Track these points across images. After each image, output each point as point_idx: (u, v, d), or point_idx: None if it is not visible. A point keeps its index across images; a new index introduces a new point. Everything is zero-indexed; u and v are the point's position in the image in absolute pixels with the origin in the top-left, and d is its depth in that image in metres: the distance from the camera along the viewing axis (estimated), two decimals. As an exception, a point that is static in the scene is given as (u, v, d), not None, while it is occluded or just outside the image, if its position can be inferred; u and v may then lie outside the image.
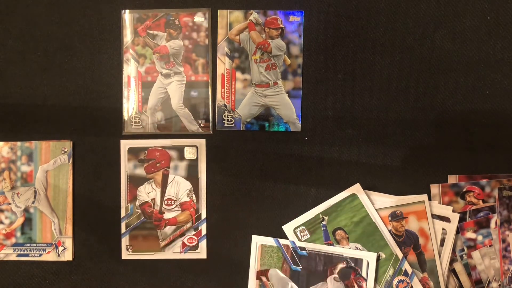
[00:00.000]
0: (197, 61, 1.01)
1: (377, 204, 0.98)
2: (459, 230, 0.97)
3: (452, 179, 0.98)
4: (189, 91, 1.02)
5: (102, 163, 1.02)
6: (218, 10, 1.01)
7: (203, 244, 1.01)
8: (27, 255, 1.02)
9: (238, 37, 1.01)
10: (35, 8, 1.03)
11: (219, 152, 1.01)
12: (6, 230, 1.02)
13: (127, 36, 1.02)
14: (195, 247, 1.01)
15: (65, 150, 1.01)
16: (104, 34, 1.02)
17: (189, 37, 1.02)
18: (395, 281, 0.96)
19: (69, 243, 1.01)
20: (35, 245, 1.02)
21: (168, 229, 1.01)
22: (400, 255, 0.96)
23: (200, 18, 1.01)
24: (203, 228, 1.01)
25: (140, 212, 1.01)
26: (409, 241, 0.97)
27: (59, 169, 1.01)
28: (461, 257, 0.97)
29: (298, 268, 0.97)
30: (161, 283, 1.01)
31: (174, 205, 1.01)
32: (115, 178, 1.01)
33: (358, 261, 0.96)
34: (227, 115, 1.01)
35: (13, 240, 1.02)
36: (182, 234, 1.01)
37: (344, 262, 0.96)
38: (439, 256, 0.96)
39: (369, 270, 0.96)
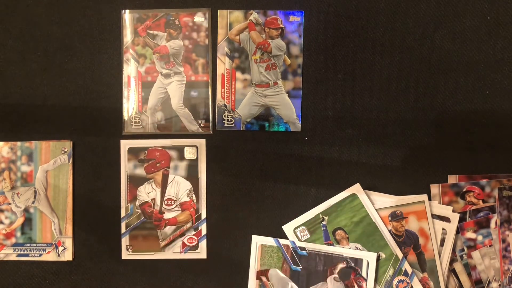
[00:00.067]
0: (197, 61, 1.02)
1: (377, 204, 0.98)
2: (459, 230, 0.97)
3: (452, 179, 0.98)
4: (189, 91, 1.02)
5: (102, 163, 1.02)
6: (218, 10, 1.01)
7: (203, 244, 1.01)
8: (27, 255, 1.02)
9: (238, 37, 1.01)
10: (35, 8, 1.03)
11: (219, 152, 1.01)
12: (6, 230, 1.02)
13: (127, 36, 1.02)
14: (195, 247, 1.01)
15: (65, 150, 1.01)
16: (104, 34, 1.02)
17: (189, 37, 1.02)
18: (395, 281, 0.96)
19: (69, 243, 1.01)
20: (35, 245, 1.02)
21: (168, 229, 1.01)
22: (400, 255, 0.96)
23: (200, 18, 1.01)
24: (203, 228, 1.01)
25: (140, 212, 1.01)
26: (409, 241, 0.97)
27: (59, 169, 1.01)
28: (461, 257, 0.97)
29: (298, 268, 0.97)
30: (161, 283, 1.01)
31: (174, 205, 1.01)
32: (115, 178, 1.01)
33: (358, 261, 0.96)
34: (227, 115, 1.01)
35: (13, 240, 1.02)
36: (182, 234, 1.01)
37: (344, 262, 0.96)
38: (439, 256, 0.96)
39: (369, 270, 0.96)
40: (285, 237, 0.99)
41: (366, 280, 0.96)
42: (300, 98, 1.00)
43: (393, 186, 0.99)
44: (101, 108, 1.02)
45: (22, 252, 1.02)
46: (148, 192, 1.01)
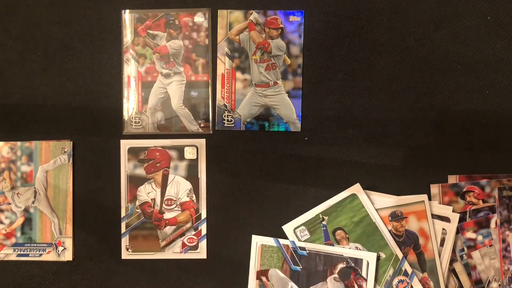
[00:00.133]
0: (197, 61, 1.02)
1: (377, 204, 0.98)
2: (459, 230, 0.97)
3: (452, 179, 0.98)
4: (189, 91, 1.02)
5: (102, 163, 1.02)
6: (218, 10, 1.01)
7: (203, 244, 1.01)
8: (27, 255, 1.02)
9: (238, 37, 1.01)
10: (35, 8, 1.03)
11: (219, 152, 1.01)
12: (6, 230, 1.02)
13: (127, 36, 1.02)
14: (195, 247, 1.01)
15: (65, 150, 1.01)
16: (104, 34, 1.02)
17: (189, 37, 1.02)
18: (395, 281, 0.96)
19: (69, 243, 1.01)
20: (35, 245, 1.02)
21: (168, 229, 1.01)
22: (400, 255, 0.96)
23: (200, 18, 1.01)
24: (203, 228, 1.01)
25: (140, 212, 1.01)
26: (409, 241, 0.97)
27: (59, 169, 1.01)
28: (461, 257, 0.97)
29: (298, 268, 0.97)
30: (161, 283, 1.01)
31: (174, 205, 1.01)
32: (115, 178, 1.01)
33: (358, 261, 0.96)
34: (227, 115, 1.01)
35: (13, 240, 1.02)
36: (182, 234, 1.01)
37: (344, 262, 0.96)
38: (439, 256, 0.96)
39: (369, 270, 0.96)
40: (285, 237, 0.99)
41: (366, 280, 0.96)
42: (300, 98, 1.00)
43: (393, 186, 0.99)
44: (101, 108, 1.02)
45: (22, 252, 1.02)
46: (148, 192, 1.01)
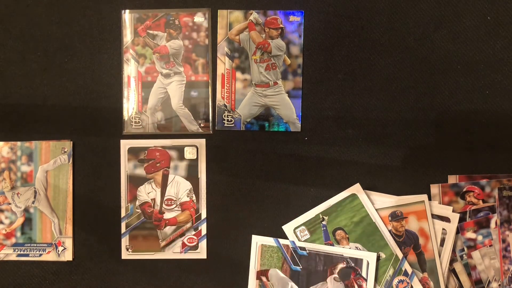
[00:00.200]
0: (197, 61, 1.02)
1: (377, 204, 0.98)
2: (459, 230, 0.97)
3: (452, 179, 0.98)
4: (189, 91, 1.02)
5: (102, 163, 1.02)
6: (218, 10, 1.01)
7: (203, 244, 1.01)
8: (27, 255, 1.02)
9: (238, 37, 1.01)
10: (35, 8, 1.03)
11: (219, 152, 1.01)
12: (6, 230, 1.02)
13: (127, 36, 1.02)
14: (195, 247, 1.01)
15: (65, 150, 1.01)
16: (104, 34, 1.02)
17: (189, 37, 1.02)
18: (395, 281, 0.96)
19: (69, 243, 1.01)
20: (35, 245, 1.02)
21: (168, 229, 1.01)
22: (400, 255, 0.96)
23: (200, 18, 1.01)
24: (203, 228, 1.01)
25: (140, 212, 1.01)
26: (409, 241, 0.97)
27: (59, 169, 1.01)
28: (461, 257, 0.97)
29: (298, 268, 0.97)
30: (161, 283, 1.01)
31: (174, 205, 1.01)
32: (115, 178, 1.01)
33: (358, 261, 0.96)
34: (227, 115, 1.01)
35: (13, 240, 1.02)
36: (182, 234, 1.01)
37: (344, 262, 0.96)
38: (439, 256, 0.96)
39: (369, 270, 0.96)
40: (285, 237, 0.99)
41: (366, 280, 0.96)
42: (300, 98, 1.00)
43: (393, 186, 0.99)
44: (101, 108, 1.02)
45: (22, 252, 1.02)
46: (148, 192, 1.01)
